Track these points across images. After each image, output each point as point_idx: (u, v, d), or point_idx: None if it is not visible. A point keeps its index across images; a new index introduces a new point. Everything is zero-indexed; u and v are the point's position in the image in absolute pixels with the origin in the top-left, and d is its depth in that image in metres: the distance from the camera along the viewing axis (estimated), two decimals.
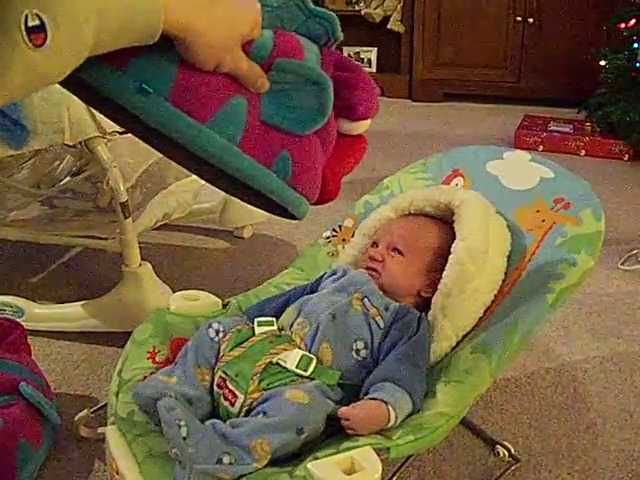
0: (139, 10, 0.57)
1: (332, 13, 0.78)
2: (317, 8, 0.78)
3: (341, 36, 0.79)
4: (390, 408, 0.85)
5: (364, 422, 0.83)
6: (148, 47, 0.62)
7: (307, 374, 0.89)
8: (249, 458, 0.78)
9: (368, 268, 1.05)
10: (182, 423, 0.78)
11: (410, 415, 0.88)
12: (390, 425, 0.85)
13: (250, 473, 0.79)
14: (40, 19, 0.49)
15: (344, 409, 0.84)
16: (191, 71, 0.67)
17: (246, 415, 0.86)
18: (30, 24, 0.49)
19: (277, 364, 0.90)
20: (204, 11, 0.62)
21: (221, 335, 0.95)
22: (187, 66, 0.66)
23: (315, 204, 0.83)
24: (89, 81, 0.66)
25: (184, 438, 0.77)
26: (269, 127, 0.73)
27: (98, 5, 0.53)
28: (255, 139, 0.72)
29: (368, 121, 0.84)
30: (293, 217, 0.80)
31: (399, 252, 1.06)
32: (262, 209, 0.81)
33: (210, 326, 0.96)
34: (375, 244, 1.09)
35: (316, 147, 0.78)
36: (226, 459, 0.78)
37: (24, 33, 0.49)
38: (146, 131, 0.70)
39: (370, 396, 0.87)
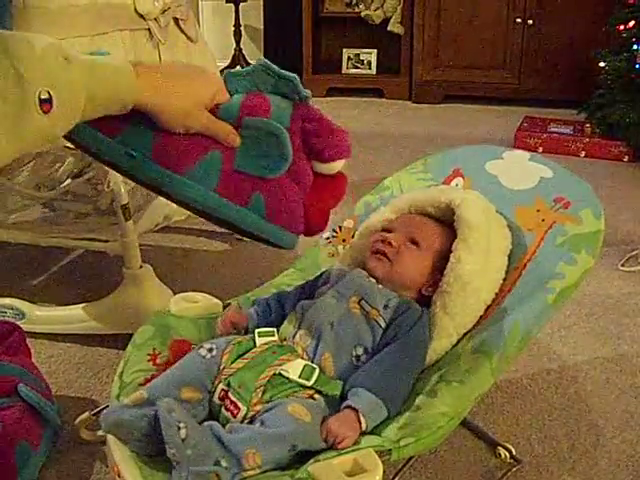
0: (119, 91, 0.77)
1: (294, 75, 0.93)
2: (282, 71, 0.93)
3: (305, 93, 0.93)
4: (361, 415, 0.86)
5: (340, 431, 0.84)
6: (132, 119, 0.81)
7: (310, 384, 0.89)
8: (238, 467, 0.78)
9: (378, 252, 1.04)
10: (181, 425, 0.78)
11: (387, 419, 0.88)
12: (362, 430, 0.86)
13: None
14: (49, 94, 0.67)
15: (325, 430, 0.85)
16: (166, 135, 0.84)
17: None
18: (42, 97, 0.67)
19: (280, 375, 0.90)
20: (164, 91, 0.82)
21: (214, 352, 0.93)
22: (162, 131, 0.84)
23: (306, 235, 0.98)
24: (88, 147, 0.86)
25: (183, 440, 0.77)
26: (241, 174, 0.88)
27: (88, 86, 0.73)
28: (230, 185, 0.87)
29: (339, 162, 0.97)
30: (280, 247, 0.95)
31: (416, 244, 1.05)
32: (252, 239, 0.96)
33: (201, 347, 0.95)
34: (388, 230, 1.08)
35: (287, 187, 0.92)
36: (224, 462, 0.78)
37: (37, 103, 0.66)
38: (139, 181, 0.89)
39: (345, 403, 0.88)
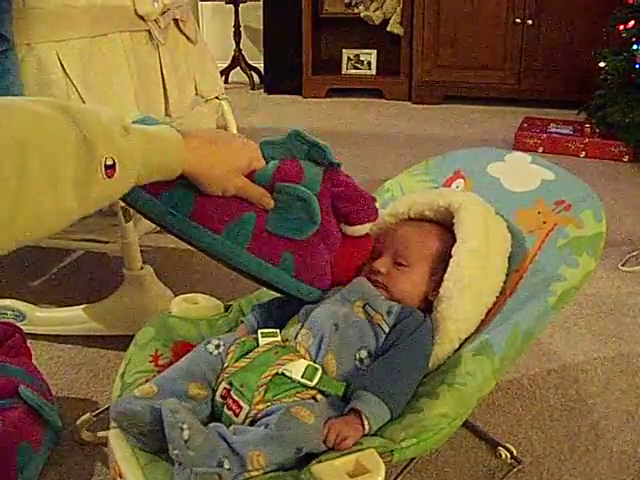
0: (170, 160, 0.86)
1: (326, 144, 1.00)
2: (314, 139, 1.00)
3: (336, 161, 1.01)
4: (364, 417, 0.86)
5: (341, 432, 0.84)
6: (175, 180, 0.88)
7: (313, 384, 0.89)
8: (242, 467, 0.78)
9: (373, 281, 1.05)
10: (185, 426, 0.78)
11: (390, 421, 0.88)
12: (365, 433, 0.86)
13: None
14: (113, 160, 0.74)
15: (327, 429, 0.85)
16: (205, 197, 0.93)
17: (250, 426, 0.86)
18: (107, 163, 0.74)
19: (282, 374, 0.90)
20: (206, 159, 0.90)
21: (221, 349, 0.94)
22: (202, 194, 0.92)
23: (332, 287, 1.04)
24: (134, 205, 0.94)
25: (186, 441, 0.77)
26: (273, 235, 0.96)
27: (144, 155, 0.80)
28: (262, 244, 0.95)
29: (365, 226, 1.05)
30: (308, 300, 1.01)
31: (403, 264, 1.05)
32: (281, 294, 1.05)
33: (209, 342, 0.95)
34: (376, 254, 1.08)
35: (317, 247, 0.99)
36: (226, 463, 0.78)
37: (103, 169, 0.73)
38: (181, 238, 0.98)
39: (348, 407, 0.88)
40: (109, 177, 0.74)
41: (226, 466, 0.77)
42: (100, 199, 0.76)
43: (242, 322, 1.07)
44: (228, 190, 0.94)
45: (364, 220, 1.05)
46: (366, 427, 0.86)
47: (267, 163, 1.00)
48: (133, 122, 0.89)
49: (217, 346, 0.94)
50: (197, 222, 0.93)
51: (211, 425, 0.83)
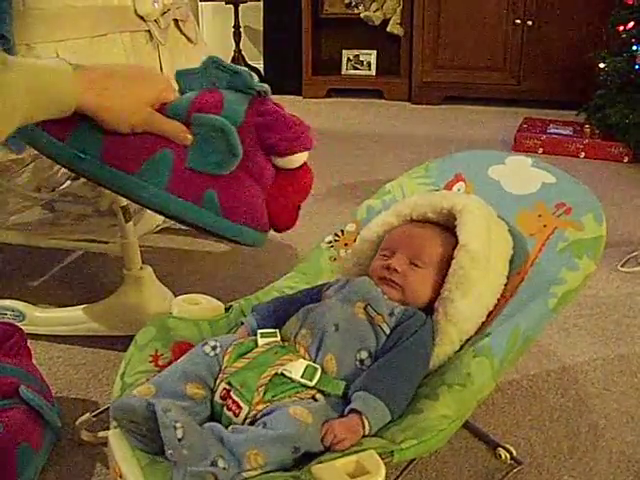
0: (59, 93, 0.78)
1: (246, 69, 0.94)
2: (234, 66, 0.93)
3: (262, 87, 0.94)
4: (364, 418, 0.86)
5: (340, 433, 0.84)
6: (79, 121, 0.82)
7: (312, 384, 0.89)
8: (239, 467, 0.78)
9: (385, 279, 1.04)
10: (178, 425, 0.78)
11: (390, 422, 0.88)
12: (365, 434, 0.86)
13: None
14: None
15: (325, 430, 0.85)
16: (115, 136, 0.86)
17: (250, 426, 0.86)
18: None
19: (282, 374, 0.90)
20: (104, 91, 0.82)
21: (218, 350, 0.94)
22: (110, 132, 0.85)
23: (276, 232, 0.99)
24: (43, 150, 0.88)
25: (179, 439, 0.77)
26: (194, 172, 0.89)
27: (28, 89, 0.73)
28: (181, 183, 0.88)
29: (298, 156, 0.96)
30: (246, 244, 0.95)
31: (419, 266, 1.05)
32: (216, 237, 0.97)
33: (206, 343, 0.95)
34: (389, 252, 1.08)
35: (244, 183, 0.92)
36: (221, 462, 0.78)
37: None
38: (94, 182, 0.92)
39: (348, 407, 0.88)
40: None
41: (221, 465, 0.77)
42: None
43: (242, 323, 1.07)
44: (136, 126, 0.86)
45: (296, 149, 0.97)
46: (366, 428, 0.86)
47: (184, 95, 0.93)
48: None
49: (214, 347, 0.94)
50: (109, 164, 0.86)
51: (206, 425, 0.83)
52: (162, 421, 0.78)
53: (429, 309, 1.04)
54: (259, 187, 0.94)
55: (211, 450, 0.78)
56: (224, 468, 0.77)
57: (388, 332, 0.96)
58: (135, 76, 0.88)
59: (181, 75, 0.95)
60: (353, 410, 0.87)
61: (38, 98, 0.75)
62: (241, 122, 0.92)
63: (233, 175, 0.91)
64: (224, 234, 0.93)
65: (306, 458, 0.82)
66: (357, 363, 0.94)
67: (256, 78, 0.95)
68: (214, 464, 0.77)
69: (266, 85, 0.95)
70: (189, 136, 0.89)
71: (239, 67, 0.94)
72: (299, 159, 0.98)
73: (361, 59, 4.41)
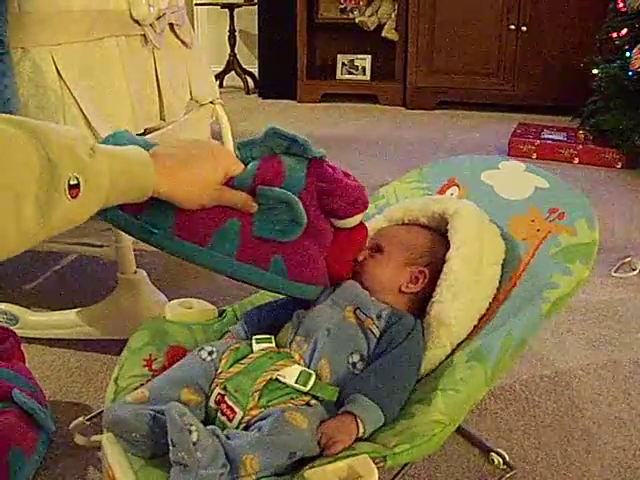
0: (138, 181, 0.83)
1: (304, 138, 0.98)
2: (293, 135, 0.97)
3: (318, 153, 0.98)
4: (359, 420, 0.86)
5: (335, 434, 0.84)
6: (152, 199, 0.86)
7: (306, 389, 0.90)
8: (235, 471, 0.79)
9: (354, 274, 1.06)
10: (193, 428, 0.78)
11: (383, 426, 0.89)
12: (359, 436, 0.86)
13: None
14: (77, 180, 0.71)
15: (320, 431, 0.85)
16: (184, 212, 0.91)
17: (244, 431, 0.86)
18: (71, 183, 0.70)
19: (277, 380, 0.90)
20: (178, 180, 0.87)
21: (214, 356, 0.94)
22: (181, 209, 0.90)
23: (331, 284, 1.03)
24: (117, 226, 0.93)
25: (194, 443, 0.77)
26: (261, 239, 0.94)
27: (111, 176, 0.77)
28: (250, 250, 0.94)
29: (355, 217, 1.02)
30: (309, 299, 1.01)
31: (378, 250, 1.07)
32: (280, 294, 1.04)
33: (202, 349, 0.95)
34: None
35: (307, 246, 0.97)
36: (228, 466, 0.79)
37: (66, 189, 0.70)
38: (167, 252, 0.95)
39: (342, 409, 0.88)
40: (73, 197, 0.71)
41: (227, 468, 0.78)
42: (65, 221, 0.72)
43: (229, 332, 1.07)
44: (206, 203, 0.92)
45: (353, 213, 1.02)
46: (360, 430, 0.86)
47: (247, 164, 0.97)
48: (103, 141, 0.88)
49: (210, 353, 0.95)
50: (180, 237, 0.92)
51: (208, 428, 0.83)
52: (176, 424, 0.78)
53: (419, 311, 1.04)
54: (320, 247, 1.00)
55: (221, 453, 0.79)
56: (222, 473, 0.78)
57: (378, 334, 0.97)
58: (205, 159, 0.92)
59: (243, 146, 0.99)
60: (347, 412, 0.87)
61: (118, 184, 0.79)
62: (303, 188, 0.97)
63: (298, 240, 0.96)
64: (290, 294, 0.99)
65: (300, 463, 0.83)
66: (349, 366, 0.94)
67: (312, 145, 0.99)
68: (224, 466, 0.78)
69: (322, 150, 1.00)
70: (254, 205, 0.94)
71: (298, 135, 0.98)
72: (357, 220, 1.03)
73: (356, 64, 4.42)
